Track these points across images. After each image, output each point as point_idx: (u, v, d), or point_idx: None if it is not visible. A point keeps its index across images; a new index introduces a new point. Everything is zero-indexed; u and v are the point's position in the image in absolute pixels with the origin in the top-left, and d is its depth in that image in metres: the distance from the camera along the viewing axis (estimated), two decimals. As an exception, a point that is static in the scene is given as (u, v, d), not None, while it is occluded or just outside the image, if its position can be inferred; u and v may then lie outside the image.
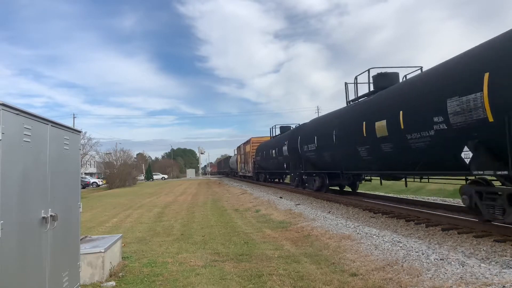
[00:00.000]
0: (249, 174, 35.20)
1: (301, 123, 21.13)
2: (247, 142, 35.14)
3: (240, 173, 42.22)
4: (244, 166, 37.52)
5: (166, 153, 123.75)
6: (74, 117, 56.21)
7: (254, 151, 31.23)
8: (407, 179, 10.54)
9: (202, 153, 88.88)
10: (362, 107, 11.25)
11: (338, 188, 16.36)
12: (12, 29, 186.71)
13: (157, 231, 9.15)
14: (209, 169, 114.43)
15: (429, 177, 9.42)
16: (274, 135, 27.23)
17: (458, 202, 11.35)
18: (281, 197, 16.16)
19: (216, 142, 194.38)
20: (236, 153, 47.64)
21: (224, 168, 68.34)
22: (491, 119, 5.96)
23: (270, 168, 26.62)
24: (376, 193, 16.18)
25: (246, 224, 9.70)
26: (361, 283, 4.31)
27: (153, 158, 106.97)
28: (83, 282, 4.55)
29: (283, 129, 26.01)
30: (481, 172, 6.45)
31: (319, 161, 15.04)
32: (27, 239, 2.93)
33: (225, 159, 68.78)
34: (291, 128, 24.22)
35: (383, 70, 11.39)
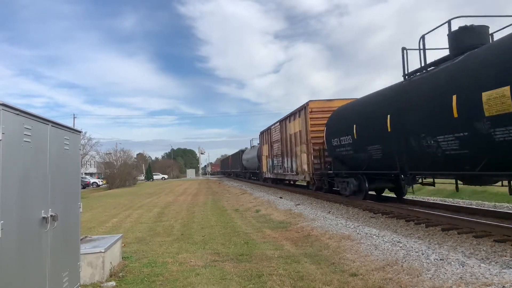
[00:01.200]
0: (301, 178, 17.56)
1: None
2: (298, 112, 16.93)
3: (269, 175, 24.84)
4: (284, 163, 19.65)
5: (166, 153, 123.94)
6: (74, 117, 56.14)
7: (321, 128, 14.36)
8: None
9: (202, 153, 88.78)
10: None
11: None
12: (12, 29, 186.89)
13: (157, 231, 9.15)
14: (209, 169, 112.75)
15: None
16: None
17: (457, 202, 11.35)
18: (281, 197, 16.17)
19: (216, 142, 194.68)
20: (258, 143, 30.88)
21: (233, 167, 52.02)
22: None
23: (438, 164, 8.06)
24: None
25: (246, 224, 9.70)
26: (361, 283, 4.32)
27: (153, 158, 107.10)
28: (83, 282, 4.56)
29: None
30: None
31: None
32: (27, 239, 2.94)
33: (234, 155, 50.89)
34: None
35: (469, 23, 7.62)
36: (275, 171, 22.71)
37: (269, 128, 24.17)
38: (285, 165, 19.75)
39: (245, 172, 40.64)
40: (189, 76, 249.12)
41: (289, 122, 18.72)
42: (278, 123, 21.33)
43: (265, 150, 25.81)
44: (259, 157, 29.44)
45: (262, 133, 27.11)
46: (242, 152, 42.18)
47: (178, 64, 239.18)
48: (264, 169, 26.73)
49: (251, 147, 37.63)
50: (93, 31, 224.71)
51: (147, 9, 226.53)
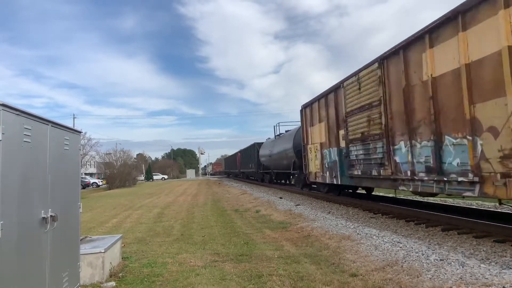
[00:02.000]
0: None
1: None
2: None
3: (328, 179, 12.98)
4: (399, 152, 8.30)
5: (166, 153, 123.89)
6: (74, 118, 56.17)
7: None
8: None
9: (202, 154, 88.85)
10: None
11: None
12: (13, 29, 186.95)
13: (157, 231, 9.15)
14: (209, 169, 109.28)
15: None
16: None
17: (457, 202, 11.34)
18: (281, 198, 16.16)
19: (216, 143, 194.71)
20: (285, 131, 22.49)
21: (244, 167, 38.14)
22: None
23: None
24: (376, 193, 16.18)
25: (246, 224, 9.70)
26: (361, 284, 4.31)
27: (153, 158, 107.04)
28: (83, 282, 4.55)
29: None
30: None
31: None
32: (27, 240, 2.94)
33: (246, 151, 36.22)
34: None
35: None
36: (355, 172, 10.75)
37: (332, 90, 12.30)
38: (401, 157, 8.38)
39: (265, 174, 28.18)
40: (189, 76, 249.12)
41: (441, 42, 7.01)
42: (374, 65, 9.44)
43: (317, 134, 14.19)
44: (298, 148, 17.26)
45: (308, 105, 15.00)
46: (258, 145, 29.60)
47: (178, 65, 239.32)
48: (313, 168, 14.81)
49: (276, 136, 24.19)
50: (93, 31, 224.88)
51: (147, 10, 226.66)
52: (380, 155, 9.33)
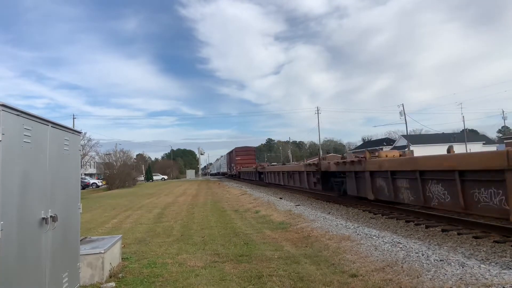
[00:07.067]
0: None
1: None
2: None
3: None
4: None
5: (166, 154, 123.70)
6: (73, 118, 56.18)
7: None
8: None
9: (202, 154, 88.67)
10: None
11: None
12: (15, 31, 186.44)
13: (157, 232, 9.15)
14: (214, 167, 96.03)
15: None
16: None
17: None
18: (281, 198, 16.16)
19: (216, 143, 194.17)
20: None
21: None
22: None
23: None
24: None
25: (246, 225, 9.70)
26: (361, 284, 4.31)
27: (153, 159, 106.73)
28: (83, 283, 4.55)
29: None
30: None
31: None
32: (27, 240, 2.93)
33: None
34: None
35: None
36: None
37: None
38: None
39: None
40: (190, 77, 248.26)
41: None
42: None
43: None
44: None
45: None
46: None
47: (179, 66, 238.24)
48: None
49: None
50: (94, 33, 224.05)
51: (149, 12, 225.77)
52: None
